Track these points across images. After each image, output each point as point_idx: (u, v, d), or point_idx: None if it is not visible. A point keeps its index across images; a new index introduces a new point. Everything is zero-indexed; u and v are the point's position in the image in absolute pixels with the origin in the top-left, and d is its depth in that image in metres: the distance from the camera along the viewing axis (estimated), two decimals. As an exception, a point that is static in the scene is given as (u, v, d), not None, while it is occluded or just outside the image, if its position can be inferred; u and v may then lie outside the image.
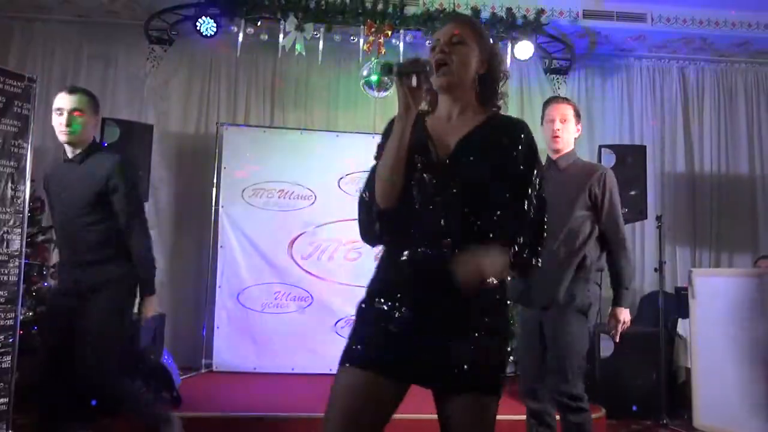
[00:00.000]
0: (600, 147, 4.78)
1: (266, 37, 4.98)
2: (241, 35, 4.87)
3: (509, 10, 5.02)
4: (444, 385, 1.51)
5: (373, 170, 1.59)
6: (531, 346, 2.61)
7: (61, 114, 2.66)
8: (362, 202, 1.61)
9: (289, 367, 4.66)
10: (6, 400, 3.34)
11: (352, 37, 4.98)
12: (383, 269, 1.60)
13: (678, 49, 5.77)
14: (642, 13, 5.30)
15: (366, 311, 1.58)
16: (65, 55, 5.53)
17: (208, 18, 4.81)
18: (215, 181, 5.16)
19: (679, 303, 4.60)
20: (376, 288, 1.58)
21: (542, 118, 2.73)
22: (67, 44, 5.53)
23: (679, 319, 4.57)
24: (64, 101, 2.68)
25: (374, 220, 1.58)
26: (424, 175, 1.54)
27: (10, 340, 3.37)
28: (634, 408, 4.16)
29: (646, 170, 4.79)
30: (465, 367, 1.47)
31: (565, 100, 2.74)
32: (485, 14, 5.03)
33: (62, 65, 5.51)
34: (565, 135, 2.63)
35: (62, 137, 2.69)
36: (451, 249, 1.48)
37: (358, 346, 1.53)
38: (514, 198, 1.53)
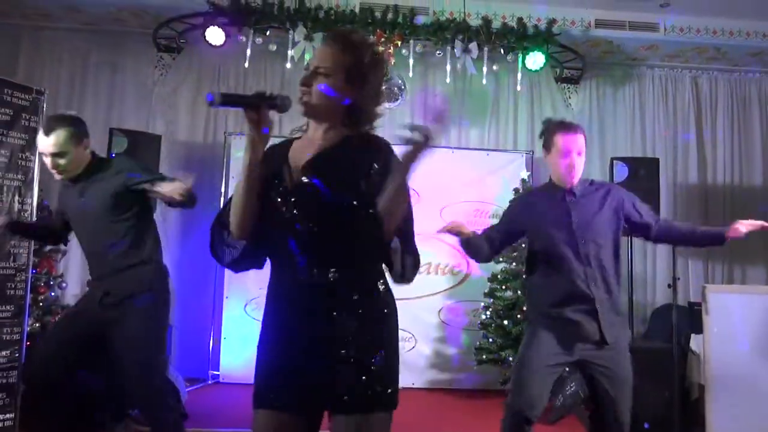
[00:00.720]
0: (612, 159, 4.71)
1: (275, 47, 4.94)
2: (249, 45, 4.83)
3: (520, 20, 4.97)
4: (346, 407, 1.52)
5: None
6: (549, 374, 2.49)
7: (46, 157, 2.60)
8: (215, 227, 1.62)
9: (296, 380, 4.63)
10: (12, 415, 3.32)
11: (361, 47, 4.92)
12: (269, 300, 1.61)
13: (691, 59, 5.70)
14: (654, 22, 5.24)
15: (262, 345, 1.60)
16: (73, 62, 5.51)
17: (216, 27, 4.78)
18: (223, 190, 5.13)
19: (692, 318, 4.52)
20: (266, 321, 1.61)
21: (549, 145, 2.52)
22: (75, 52, 5.51)
23: (692, 335, 4.50)
24: (44, 145, 2.58)
25: (226, 246, 1.60)
26: (279, 200, 1.55)
27: (17, 356, 3.36)
28: (646, 425, 4.09)
29: (660, 183, 4.72)
30: (361, 386, 1.50)
31: (578, 128, 2.53)
32: (496, 24, 4.98)
33: (70, 73, 5.50)
34: (580, 168, 2.50)
35: (56, 176, 2.66)
36: (329, 270, 1.51)
37: (263, 386, 1.57)
38: (372, 216, 1.50)
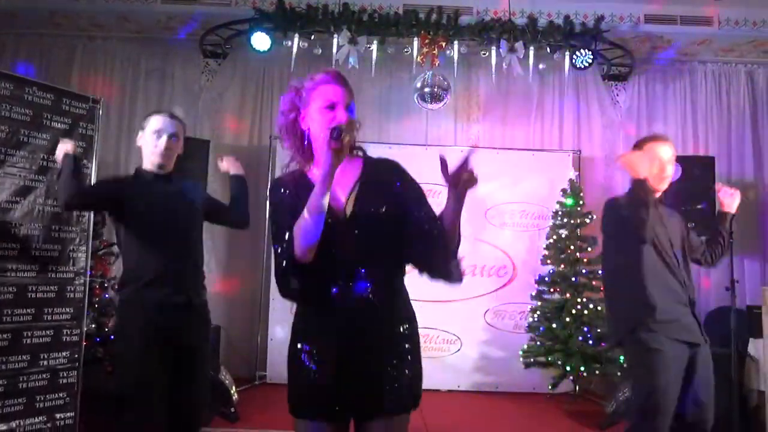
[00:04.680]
0: (664, 158, 4.57)
1: (320, 51, 4.97)
2: (294, 49, 4.87)
3: (567, 17, 4.86)
4: (380, 411, 1.64)
5: (280, 228, 1.64)
6: (677, 382, 2.47)
7: (159, 137, 2.61)
8: (288, 261, 1.61)
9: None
10: (72, 414, 3.43)
11: (405, 49, 4.92)
12: (308, 317, 1.70)
13: (746, 52, 5.49)
14: (708, 16, 5.05)
15: (299, 359, 1.68)
16: (124, 70, 5.68)
17: (262, 33, 4.84)
18: (268, 194, 5.19)
19: (750, 321, 4.35)
20: (305, 335, 1.69)
21: (639, 148, 2.60)
22: (126, 60, 5.68)
23: (750, 339, 4.33)
24: (164, 124, 2.63)
25: (293, 275, 1.63)
26: (329, 230, 1.61)
27: (76, 356, 3.48)
28: (703, 434, 3.96)
29: (715, 183, 4.55)
30: (397, 392, 1.65)
31: (669, 139, 2.66)
32: (542, 22, 4.89)
33: (121, 80, 5.66)
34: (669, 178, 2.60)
35: (157, 159, 2.61)
36: (367, 288, 1.63)
37: (306, 396, 1.67)
38: (421, 225, 1.67)
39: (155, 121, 2.63)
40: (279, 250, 1.64)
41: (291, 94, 1.75)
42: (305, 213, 1.58)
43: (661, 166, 2.54)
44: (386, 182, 1.72)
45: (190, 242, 2.68)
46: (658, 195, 2.61)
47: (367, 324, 1.64)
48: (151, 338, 2.49)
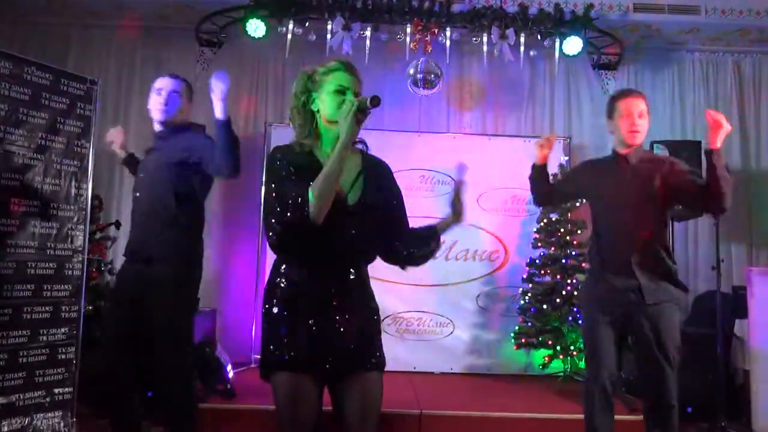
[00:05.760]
0: (652, 143, 4.67)
1: (314, 37, 5.04)
2: (289, 36, 4.94)
3: (557, 5, 4.95)
4: (356, 371, 1.84)
5: (289, 193, 1.73)
6: (606, 337, 2.73)
7: (159, 94, 2.76)
8: (299, 219, 1.72)
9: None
10: (70, 389, 3.49)
11: (398, 36, 5.00)
12: (293, 279, 1.83)
13: (733, 41, 5.58)
14: (695, 5, 5.15)
15: (276, 319, 1.82)
16: (120, 59, 5.70)
17: (257, 19, 4.90)
18: (263, 179, 5.25)
19: (736, 303, 4.46)
20: (283, 299, 1.83)
21: (611, 111, 2.71)
22: (122, 49, 5.71)
23: (736, 320, 4.43)
24: (164, 82, 2.79)
25: (297, 232, 1.76)
26: (335, 211, 1.76)
27: (74, 333, 3.53)
28: (689, 409, 4.05)
29: (702, 166, 4.64)
30: (373, 351, 1.87)
31: (639, 94, 2.71)
32: (533, 10, 4.97)
33: (117, 69, 5.69)
34: (642, 131, 2.65)
35: (158, 115, 2.77)
36: (349, 268, 1.86)
37: (290, 353, 1.78)
38: (400, 222, 1.99)
39: (158, 82, 2.80)
40: (291, 210, 1.72)
41: (304, 78, 1.91)
42: (322, 178, 1.71)
43: (630, 122, 2.63)
44: (383, 181, 1.95)
45: (157, 207, 2.75)
46: (630, 151, 2.68)
47: (344, 295, 1.84)
48: (121, 310, 2.74)
